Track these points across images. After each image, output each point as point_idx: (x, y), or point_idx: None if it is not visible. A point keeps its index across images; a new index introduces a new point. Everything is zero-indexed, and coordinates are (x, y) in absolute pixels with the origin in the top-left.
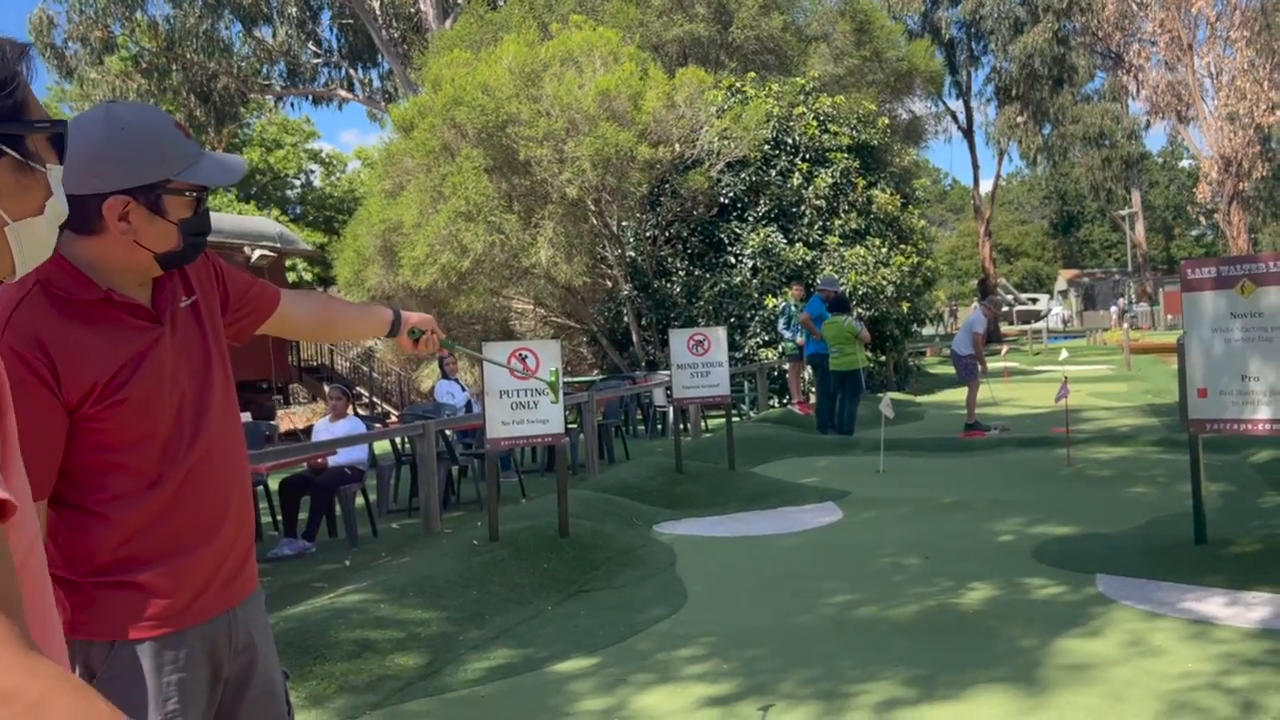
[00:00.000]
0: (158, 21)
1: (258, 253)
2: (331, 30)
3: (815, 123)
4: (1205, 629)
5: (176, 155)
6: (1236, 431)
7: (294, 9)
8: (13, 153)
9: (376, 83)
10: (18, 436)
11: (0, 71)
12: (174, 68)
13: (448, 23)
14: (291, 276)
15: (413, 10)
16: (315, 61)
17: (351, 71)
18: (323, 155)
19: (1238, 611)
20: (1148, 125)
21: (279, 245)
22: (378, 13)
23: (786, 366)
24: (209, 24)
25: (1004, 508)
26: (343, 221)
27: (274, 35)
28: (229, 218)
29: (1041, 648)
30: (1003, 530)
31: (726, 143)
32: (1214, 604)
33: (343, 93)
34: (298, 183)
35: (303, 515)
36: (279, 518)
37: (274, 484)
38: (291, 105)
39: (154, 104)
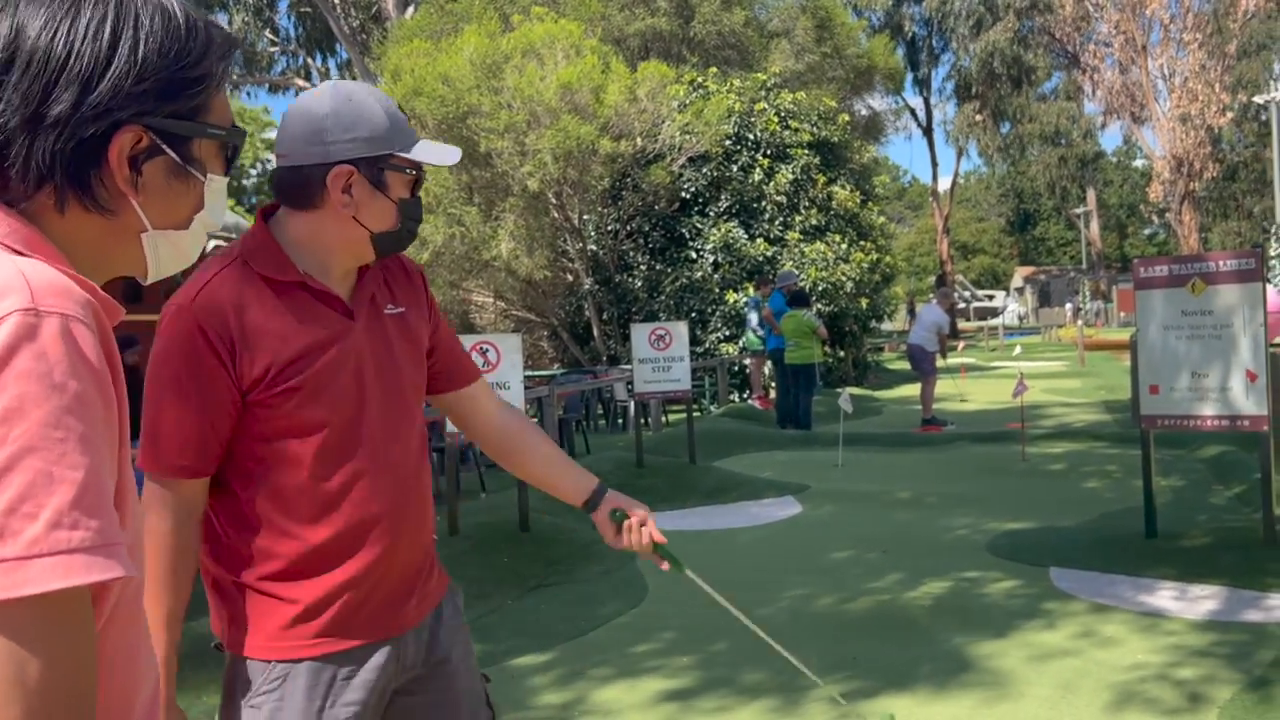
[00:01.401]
0: None
1: (213, 244)
2: (289, 18)
3: (776, 119)
4: (1155, 621)
5: (400, 132)
6: (1186, 428)
7: None
8: (171, 153)
9: (334, 72)
10: (188, 412)
11: (192, 66)
12: None
13: (407, 12)
14: None
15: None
16: (272, 50)
17: (309, 60)
18: None
19: (1187, 604)
20: (1103, 125)
21: (234, 236)
22: (336, 2)
23: (748, 361)
24: None
25: (960, 502)
26: None
27: (230, 22)
28: None
29: (997, 640)
30: (959, 524)
31: (688, 137)
32: (1164, 596)
33: (300, 82)
34: (253, 172)
35: None
36: None
37: None
38: (248, 94)
39: None
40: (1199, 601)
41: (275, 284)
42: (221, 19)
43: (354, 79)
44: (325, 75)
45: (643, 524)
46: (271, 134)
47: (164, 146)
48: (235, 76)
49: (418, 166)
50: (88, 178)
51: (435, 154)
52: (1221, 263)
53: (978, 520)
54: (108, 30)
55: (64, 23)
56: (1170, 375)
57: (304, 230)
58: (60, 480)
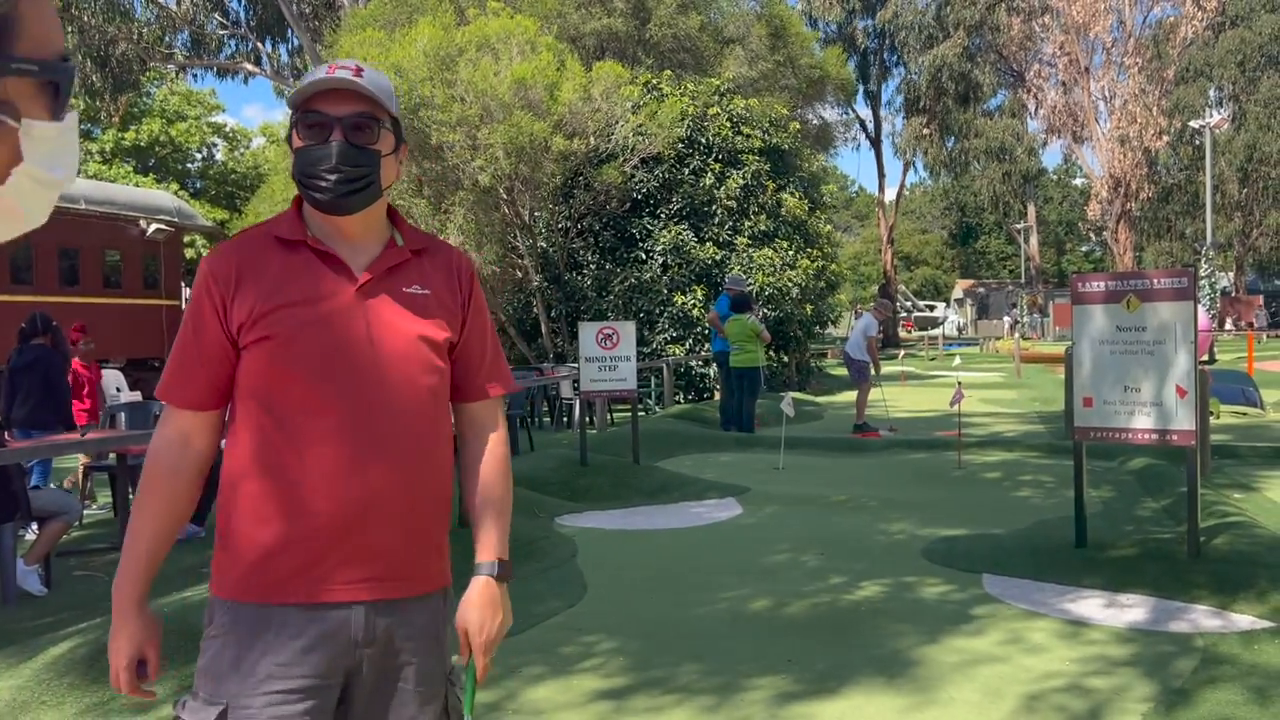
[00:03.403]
0: None
1: (153, 227)
2: (240, 1)
3: (729, 124)
4: (1082, 629)
5: (301, 85)
6: (1118, 440)
7: None
8: None
9: (285, 58)
10: (188, 349)
11: None
12: (69, 29)
13: (361, 1)
14: (190, 253)
15: None
16: (221, 33)
17: (259, 45)
18: (227, 130)
19: (1112, 613)
20: (1045, 143)
21: (176, 220)
22: None
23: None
24: None
25: (897, 507)
26: (245, 198)
27: (178, 3)
28: (123, 189)
29: (928, 644)
30: (895, 529)
31: (641, 139)
32: (1091, 605)
33: (249, 66)
34: (198, 156)
35: None
36: None
37: None
38: (195, 77)
39: None
40: (1125, 610)
41: (284, 243)
42: (170, 1)
43: (305, 66)
44: (275, 60)
45: (480, 650)
46: (219, 118)
47: None
48: (182, 57)
49: (303, 111)
50: None
51: (301, 90)
52: (1156, 281)
53: (914, 525)
54: None
55: None
56: (1104, 389)
57: None
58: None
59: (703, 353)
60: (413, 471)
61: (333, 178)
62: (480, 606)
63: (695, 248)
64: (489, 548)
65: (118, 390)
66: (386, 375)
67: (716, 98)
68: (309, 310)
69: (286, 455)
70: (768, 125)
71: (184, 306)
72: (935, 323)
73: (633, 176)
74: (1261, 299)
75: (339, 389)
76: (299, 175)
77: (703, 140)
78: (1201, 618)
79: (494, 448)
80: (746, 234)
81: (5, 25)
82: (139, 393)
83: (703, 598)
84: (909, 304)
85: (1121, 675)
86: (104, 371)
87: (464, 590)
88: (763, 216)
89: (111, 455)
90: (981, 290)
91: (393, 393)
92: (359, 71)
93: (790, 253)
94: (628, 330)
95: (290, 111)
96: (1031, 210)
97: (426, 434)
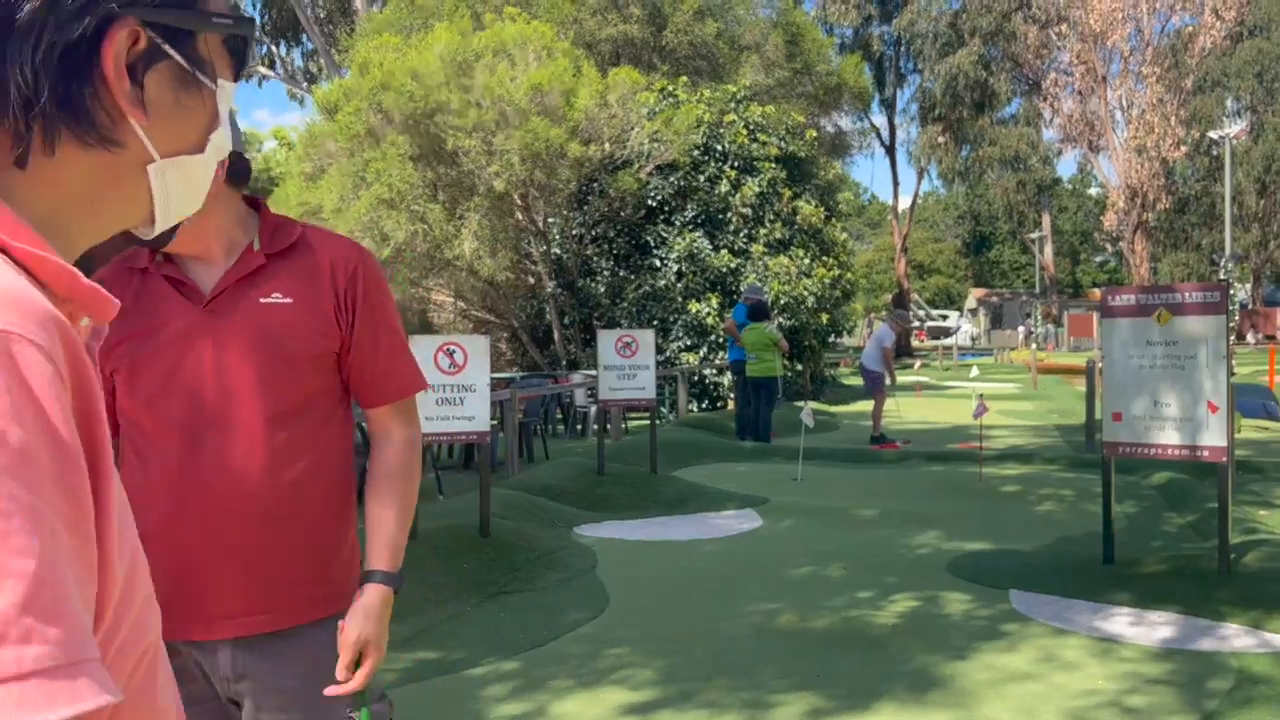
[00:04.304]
0: None
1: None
2: (255, 5)
3: (745, 131)
4: (1113, 647)
5: None
6: (1148, 455)
7: None
8: (177, 55)
9: (298, 62)
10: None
11: None
12: None
13: (376, 5)
14: None
15: None
16: None
17: (274, 48)
18: None
19: (1143, 631)
20: (1060, 152)
21: None
22: None
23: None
24: None
25: (919, 521)
26: None
27: None
28: None
29: (959, 661)
30: (918, 544)
31: (657, 145)
32: (1121, 622)
33: (263, 69)
34: None
35: None
36: None
37: None
38: None
39: None
40: (1155, 628)
41: (139, 271)
42: None
43: (320, 69)
44: (289, 64)
45: (361, 667)
46: None
47: (166, 47)
48: None
49: None
50: (82, 99)
51: None
52: (1187, 294)
53: (937, 540)
54: None
55: None
56: (1132, 403)
57: None
58: (4, 574)
59: (717, 361)
60: (267, 499)
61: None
62: (362, 617)
63: (710, 255)
64: (371, 556)
65: None
66: (233, 398)
67: (733, 105)
68: (150, 339)
69: (142, 490)
70: (784, 133)
71: None
72: (948, 332)
73: (648, 183)
74: None
75: (178, 419)
76: None
77: (719, 147)
78: (1234, 636)
79: (389, 455)
80: (762, 242)
81: None
82: None
83: (727, 610)
84: (922, 313)
85: (1157, 694)
86: None
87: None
88: (778, 224)
89: None
90: (995, 300)
91: (239, 417)
92: None
93: (806, 261)
94: (647, 339)
95: None
96: (1046, 220)
97: (287, 456)
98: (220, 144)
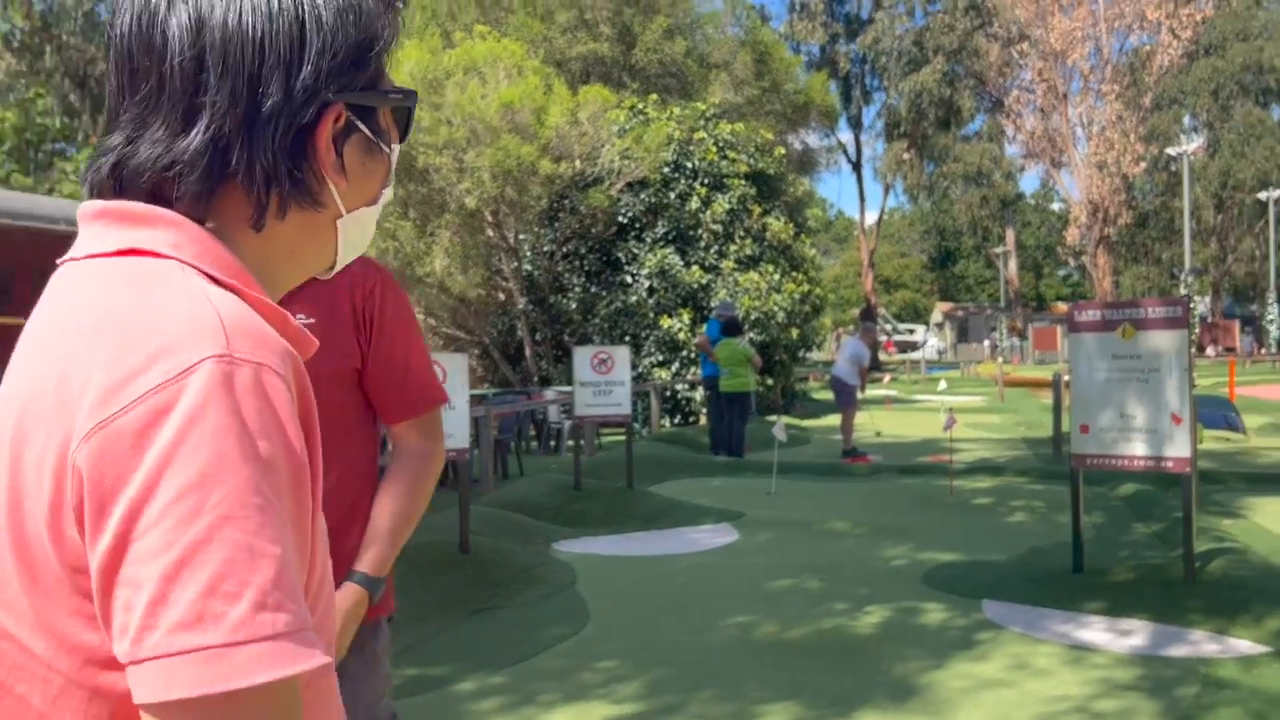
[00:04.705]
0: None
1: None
2: None
3: (715, 148)
4: (1084, 654)
5: None
6: (1115, 466)
7: None
8: (364, 128)
9: None
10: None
11: (366, 27)
12: (49, 49)
13: None
14: None
15: None
16: None
17: None
18: None
19: (1112, 638)
20: (1023, 168)
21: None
22: None
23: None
24: (89, 6)
25: (893, 533)
26: None
27: None
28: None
29: (936, 670)
30: (893, 555)
31: (627, 162)
32: (1092, 630)
33: None
34: None
35: None
36: None
37: None
38: None
39: (24, 86)
40: (1125, 635)
41: None
42: None
43: None
44: None
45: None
46: None
47: (358, 122)
48: None
49: None
50: (303, 171)
51: None
52: (1151, 310)
53: (911, 551)
54: (289, 2)
55: (243, 2)
56: (1100, 416)
57: None
58: (262, 555)
59: (689, 376)
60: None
61: None
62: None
63: (681, 271)
64: (358, 558)
65: None
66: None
67: (702, 122)
68: None
69: None
70: (753, 150)
71: None
72: (915, 346)
73: (619, 200)
74: (1238, 324)
75: None
76: None
77: (689, 164)
78: (1201, 642)
79: (398, 467)
80: (732, 258)
81: (383, 64)
82: None
83: (708, 623)
84: (889, 326)
85: (1127, 699)
86: None
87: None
88: (748, 240)
89: None
90: (961, 314)
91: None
92: None
93: (776, 276)
94: (622, 355)
95: None
96: (1010, 234)
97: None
98: (388, 196)
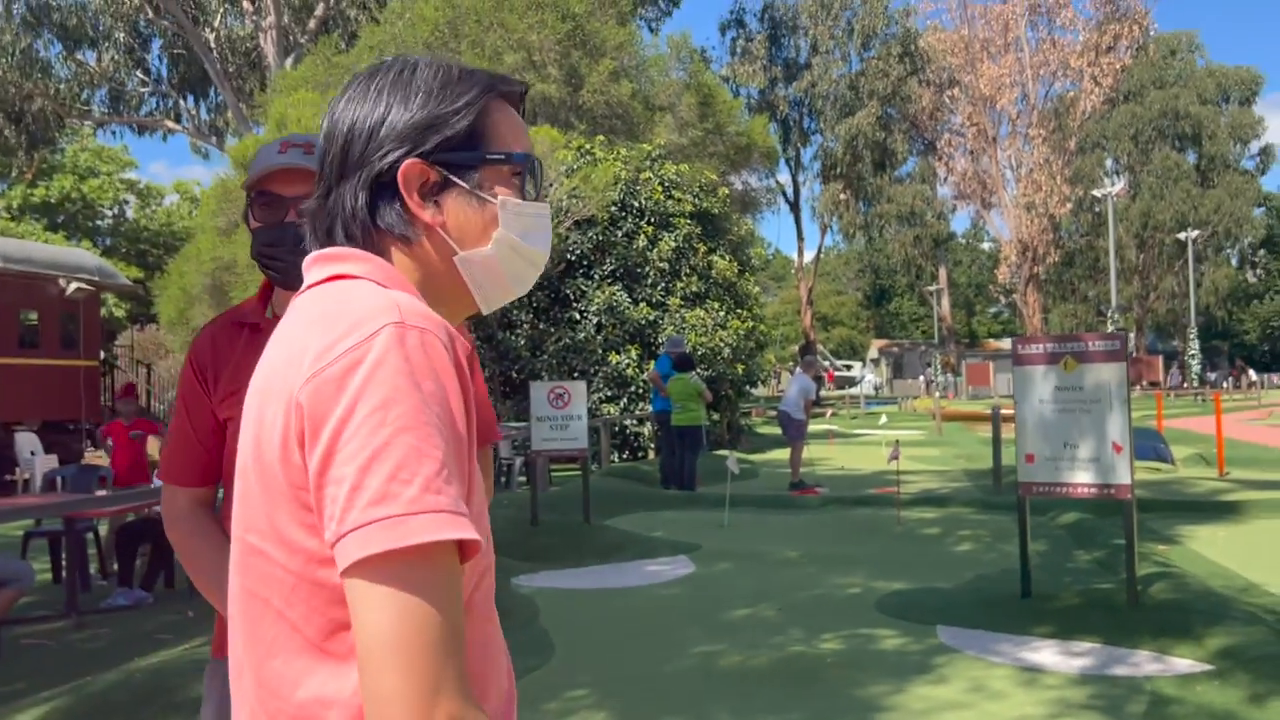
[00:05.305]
0: None
1: (74, 285)
2: (161, 60)
3: (660, 188)
4: (1037, 675)
5: (257, 160)
6: (1060, 494)
7: (123, 35)
8: (461, 183)
9: (206, 115)
10: (179, 429)
11: (453, 101)
12: None
13: (288, 62)
14: (103, 312)
15: (250, 46)
16: (142, 90)
17: (181, 102)
18: (140, 186)
19: (1063, 660)
20: (954, 209)
21: (97, 279)
22: (212, 44)
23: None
24: (27, 42)
25: (845, 562)
26: (158, 256)
27: (98, 60)
28: (43, 247)
29: (895, 694)
30: (846, 584)
31: (575, 201)
32: (1043, 652)
33: (170, 123)
34: (109, 213)
35: (138, 563)
36: (115, 567)
37: (105, 530)
38: (113, 133)
39: None
40: (1075, 657)
41: (248, 326)
42: (89, 58)
43: (227, 123)
44: (196, 117)
45: None
46: (132, 174)
47: (453, 178)
48: (100, 114)
49: (255, 191)
50: (388, 211)
51: (258, 165)
52: (1091, 343)
53: (864, 579)
54: (384, 95)
55: (360, 105)
56: (1045, 445)
57: None
58: (428, 455)
59: (638, 411)
60: None
61: (290, 258)
62: None
63: (629, 308)
64: None
65: (32, 454)
66: None
67: (648, 163)
68: None
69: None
70: (698, 190)
71: (101, 368)
72: (854, 382)
73: (567, 238)
74: (1161, 359)
75: None
76: (257, 254)
77: (635, 204)
78: (1145, 662)
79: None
80: (679, 295)
81: (482, 131)
82: (55, 456)
83: (672, 654)
84: (827, 363)
85: (1080, 718)
86: (17, 434)
87: None
88: (694, 278)
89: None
90: (896, 350)
91: None
92: (310, 148)
93: (721, 313)
94: (579, 389)
95: (246, 191)
96: (943, 273)
97: None
98: (523, 248)
